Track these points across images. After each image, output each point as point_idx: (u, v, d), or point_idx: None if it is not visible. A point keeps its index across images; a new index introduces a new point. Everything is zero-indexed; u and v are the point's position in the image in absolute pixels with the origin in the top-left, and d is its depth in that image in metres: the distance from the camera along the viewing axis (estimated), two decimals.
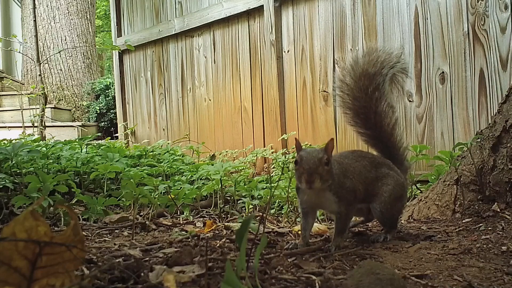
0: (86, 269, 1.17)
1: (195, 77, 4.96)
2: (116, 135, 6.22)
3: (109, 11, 6.90)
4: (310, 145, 3.79)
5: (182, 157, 3.92)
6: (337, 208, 1.54)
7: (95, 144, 3.83)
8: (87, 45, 8.76)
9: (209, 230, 1.90)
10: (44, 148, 3.31)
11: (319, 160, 1.42)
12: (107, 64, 14.07)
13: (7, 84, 7.05)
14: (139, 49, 5.54)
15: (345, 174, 1.58)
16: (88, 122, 7.80)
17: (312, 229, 1.79)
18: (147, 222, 2.10)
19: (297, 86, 4.00)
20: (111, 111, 7.65)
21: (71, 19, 8.68)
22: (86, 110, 8.27)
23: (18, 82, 8.45)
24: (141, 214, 2.40)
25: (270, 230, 1.83)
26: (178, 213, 2.47)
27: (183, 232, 1.84)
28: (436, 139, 3.19)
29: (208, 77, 4.82)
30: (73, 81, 8.56)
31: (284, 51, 4.09)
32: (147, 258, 1.33)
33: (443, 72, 3.15)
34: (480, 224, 1.87)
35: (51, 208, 2.15)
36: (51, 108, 7.54)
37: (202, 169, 2.62)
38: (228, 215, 2.46)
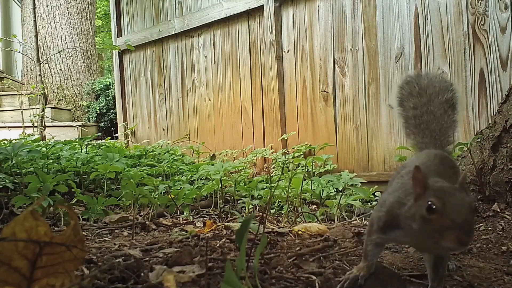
0: (86, 269, 1.17)
1: (195, 77, 4.96)
2: (116, 135, 6.22)
3: (109, 11, 6.90)
4: (310, 145, 3.79)
5: (182, 157, 3.92)
6: (447, 253, 1.22)
7: (95, 144, 3.83)
8: (87, 45, 8.76)
9: (209, 230, 1.90)
10: (44, 148, 3.31)
11: (470, 209, 0.97)
12: (107, 64, 14.06)
13: (7, 84, 7.05)
14: (139, 49, 5.54)
15: None
16: (88, 122, 7.80)
17: (312, 229, 1.80)
18: (147, 222, 2.10)
19: (297, 86, 4.00)
20: (111, 111, 7.65)
21: (71, 19, 8.67)
22: (86, 110, 8.27)
23: (18, 82, 8.44)
24: (141, 214, 2.40)
25: (270, 230, 1.83)
26: (178, 213, 2.47)
27: (183, 232, 1.84)
28: None
29: (208, 77, 4.82)
30: (73, 81, 8.55)
31: (284, 51, 4.09)
32: (147, 258, 1.33)
33: (443, 72, 3.14)
34: (480, 224, 1.87)
35: (51, 208, 2.15)
36: (51, 108, 7.53)
37: (202, 169, 2.62)
38: (228, 215, 2.46)
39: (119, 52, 5.76)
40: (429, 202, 0.98)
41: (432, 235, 0.97)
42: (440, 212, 0.96)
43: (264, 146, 4.22)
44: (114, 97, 6.87)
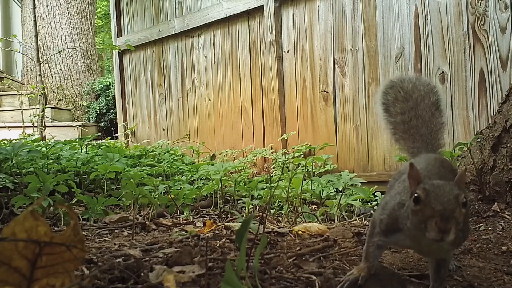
0: (86, 269, 1.17)
1: (195, 77, 4.96)
2: (116, 135, 6.22)
3: (109, 11, 6.90)
4: (310, 145, 3.79)
5: (182, 157, 3.92)
6: (449, 256, 1.18)
7: (95, 144, 3.83)
8: (87, 45, 8.76)
9: (209, 230, 1.90)
10: (44, 148, 3.31)
11: (455, 199, 0.97)
12: (107, 64, 14.06)
13: (7, 84, 7.05)
14: (139, 49, 5.54)
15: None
16: (88, 122, 7.80)
17: (312, 229, 1.80)
18: (147, 222, 2.10)
19: (297, 86, 4.00)
20: (111, 111, 7.65)
21: (71, 19, 8.67)
22: (86, 110, 8.27)
23: (18, 82, 8.44)
24: (141, 214, 2.40)
25: (270, 230, 1.83)
26: (178, 213, 2.47)
27: (183, 232, 1.84)
28: None
29: (208, 77, 4.82)
30: (73, 81, 8.55)
31: (284, 51, 4.09)
32: (147, 258, 1.33)
33: (443, 72, 3.15)
34: (480, 224, 1.87)
35: (51, 208, 2.15)
36: (51, 108, 7.53)
37: (202, 169, 2.62)
38: (228, 215, 2.46)
39: (119, 52, 5.76)
40: (416, 194, 1.00)
41: (419, 228, 0.98)
42: (424, 202, 0.98)
43: (264, 146, 4.22)
44: (114, 97, 6.87)
